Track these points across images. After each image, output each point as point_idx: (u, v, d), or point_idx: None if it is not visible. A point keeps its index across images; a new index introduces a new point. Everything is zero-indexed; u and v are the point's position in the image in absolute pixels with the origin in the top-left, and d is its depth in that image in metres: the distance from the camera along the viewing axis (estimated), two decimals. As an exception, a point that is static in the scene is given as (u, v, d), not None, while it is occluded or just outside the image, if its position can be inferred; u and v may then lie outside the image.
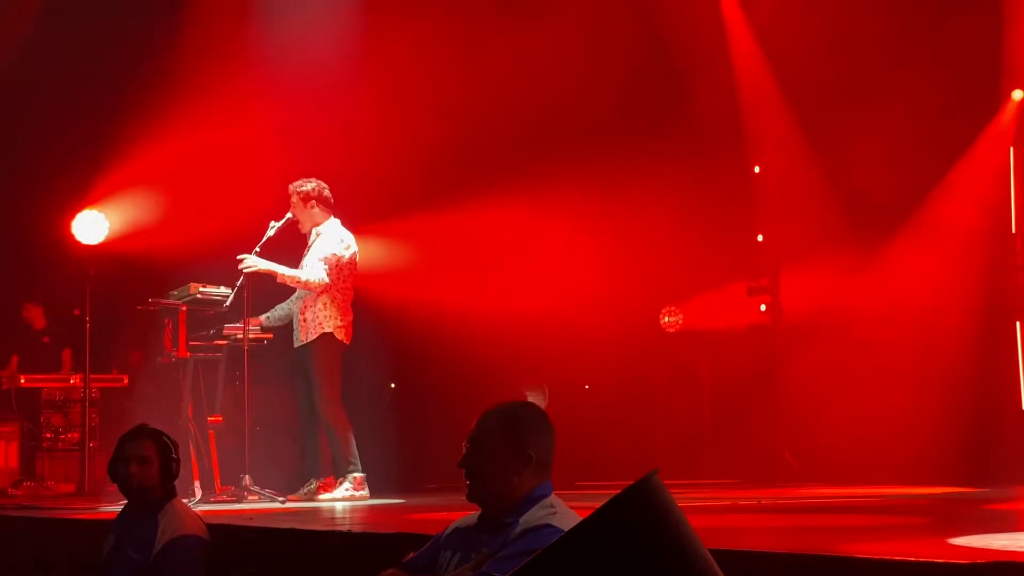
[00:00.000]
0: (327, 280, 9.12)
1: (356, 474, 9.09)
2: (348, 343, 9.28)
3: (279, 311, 9.49)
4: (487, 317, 12.11)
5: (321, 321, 9.16)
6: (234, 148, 10.85)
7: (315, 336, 9.15)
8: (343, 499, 8.99)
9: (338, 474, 9.15)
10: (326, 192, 9.38)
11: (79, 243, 10.72)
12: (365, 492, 9.08)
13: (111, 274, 10.73)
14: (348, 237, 9.36)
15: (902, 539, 5.04)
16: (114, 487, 5.59)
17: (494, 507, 3.74)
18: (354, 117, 11.33)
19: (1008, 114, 11.37)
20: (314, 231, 9.34)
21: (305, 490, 9.18)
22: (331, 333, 9.16)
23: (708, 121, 12.62)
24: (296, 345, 9.30)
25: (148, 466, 5.32)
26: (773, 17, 12.15)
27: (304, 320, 9.21)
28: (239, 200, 10.39)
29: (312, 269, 9.15)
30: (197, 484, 8.79)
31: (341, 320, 9.20)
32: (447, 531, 3.91)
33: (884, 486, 9.96)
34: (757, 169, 12.78)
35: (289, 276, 9.15)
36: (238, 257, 9.03)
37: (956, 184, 11.33)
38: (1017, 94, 11.29)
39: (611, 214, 12.70)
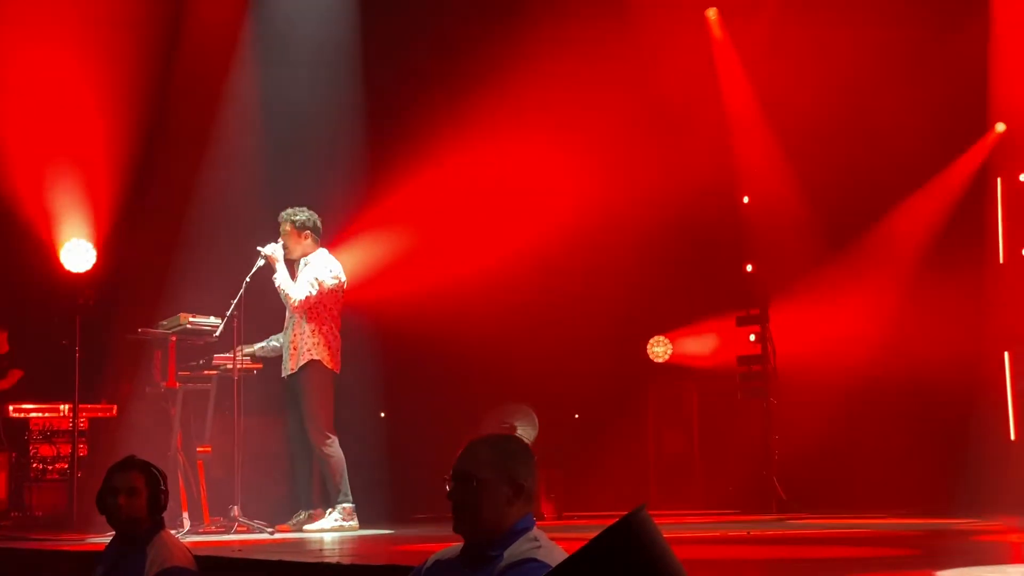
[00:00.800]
0: (303, 299, 9.10)
1: (346, 504, 9.07)
2: (337, 371, 9.28)
3: (270, 342, 9.49)
4: (478, 348, 12.12)
5: (309, 348, 9.15)
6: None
7: (304, 362, 9.15)
8: (331, 529, 8.96)
9: (328, 504, 9.14)
10: (319, 222, 9.40)
11: (68, 272, 10.72)
12: (354, 523, 9.06)
13: (101, 303, 10.72)
14: (336, 266, 9.37)
15: (891, 571, 5.04)
16: (102, 518, 5.57)
17: (482, 540, 3.72)
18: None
19: (993, 146, 11.44)
20: (302, 261, 9.35)
21: (295, 520, 9.16)
22: (319, 360, 9.16)
23: (697, 152, 12.68)
24: (285, 375, 9.29)
25: (136, 497, 5.30)
26: (762, 50, 12.23)
27: (293, 349, 9.21)
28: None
29: (298, 287, 9.17)
30: (185, 515, 8.77)
31: (328, 348, 9.20)
32: (428, 563, 3.88)
33: (873, 517, 9.96)
34: (746, 199, 12.83)
35: (280, 280, 9.13)
36: (258, 248, 9.08)
37: (944, 215, 11.38)
38: (1000, 126, 11.36)
39: (601, 243, 12.74)
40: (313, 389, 9.15)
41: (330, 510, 9.08)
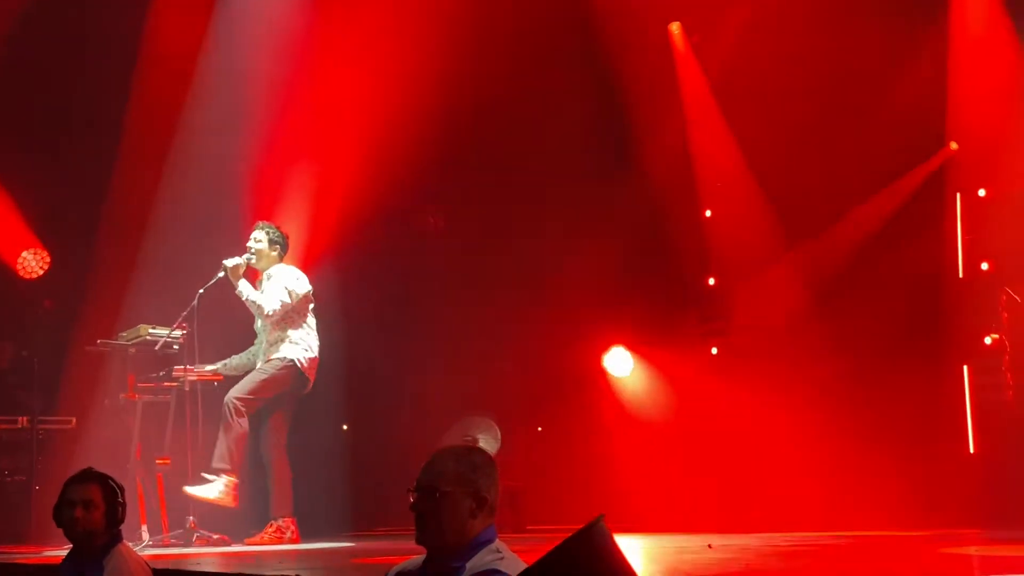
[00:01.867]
0: (278, 308, 9.09)
1: (231, 479, 8.99)
2: (311, 379, 9.28)
3: (235, 360, 9.47)
4: (439, 360, 12.11)
5: (286, 354, 9.16)
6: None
7: (272, 357, 9.15)
8: (211, 498, 8.88)
9: (280, 513, 9.10)
10: (288, 241, 9.45)
11: (25, 280, 10.66)
12: (296, 537, 9.05)
13: (60, 314, 10.65)
14: (302, 276, 9.37)
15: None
16: (60, 531, 5.52)
17: (444, 552, 3.72)
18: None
19: (946, 162, 11.53)
20: (265, 274, 9.34)
21: (262, 534, 9.13)
22: (295, 361, 9.16)
23: (659, 165, 12.72)
24: None
25: (93, 510, 5.26)
26: (725, 63, 12.28)
27: (269, 360, 9.21)
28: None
29: (269, 297, 9.14)
30: (144, 528, 8.71)
31: (308, 357, 9.22)
32: (390, 575, 3.88)
33: (834, 530, 10.00)
34: (708, 213, 12.87)
35: (247, 293, 9.10)
36: (224, 262, 9.04)
37: (904, 229, 11.45)
38: (953, 145, 11.45)
39: (564, 255, 12.75)
40: (271, 374, 9.12)
41: (210, 478, 8.95)
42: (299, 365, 9.19)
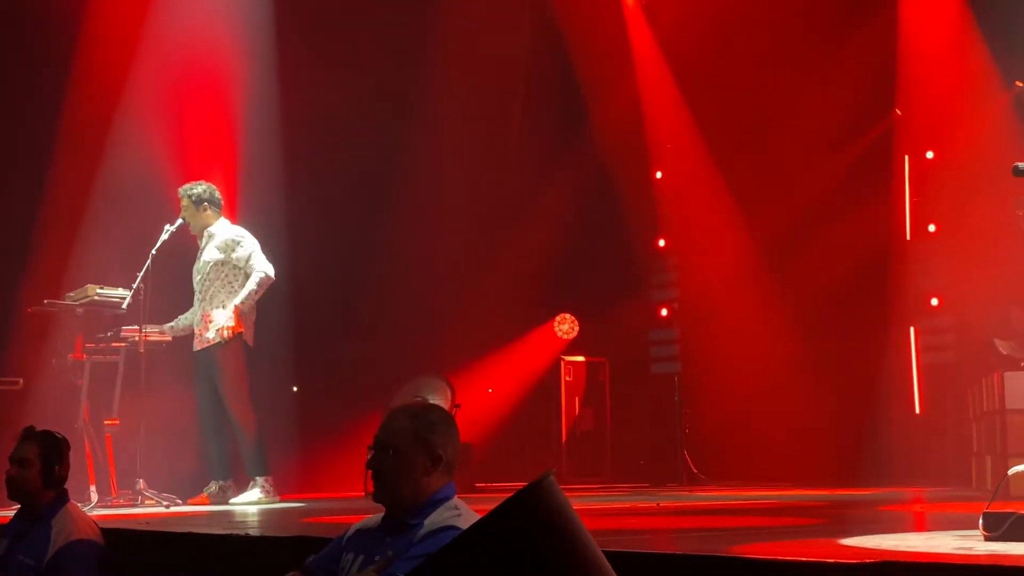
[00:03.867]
0: (270, 273, 9.11)
1: (267, 476, 9.07)
2: (251, 344, 9.25)
3: (183, 321, 9.41)
4: (389, 322, 12.11)
5: (228, 325, 9.09)
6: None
7: (221, 339, 9.09)
8: (257, 502, 8.95)
9: (249, 474, 9.11)
10: (216, 194, 9.35)
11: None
12: (276, 497, 9.08)
13: (5, 274, 10.53)
14: (242, 232, 9.31)
15: (795, 540, 5.11)
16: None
17: (401, 508, 3.73)
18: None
19: (892, 127, 11.61)
20: (205, 233, 9.29)
21: (207, 492, 9.11)
22: (236, 338, 9.10)
23: (610, 127, 12.74)
24: (197, 349, 9.22)
25: (28, 468, 5.26)
26: (675, 25, 12.29)
27: (207, 325, 9.14)
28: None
29: (255, 268, 9.11)
30: (93, 488, 8.67)
31: (247, 321, 9.16)
32: (349, 532, 3.90)
33: (781, 488, 10.11)
34: (659, 175, 12.91)
35: (248, 294, 9.09)
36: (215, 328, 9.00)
37: (853, 192, 11.53)
38: (898, 112, 11.52)
39: (513, 219, 12.77)
40: (229, 363, 9.11)
41: (252, 483, 9.06)
42: (244, 338, 9.18)
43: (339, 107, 11.67)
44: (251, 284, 9.11)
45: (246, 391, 9.16)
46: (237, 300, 9.07)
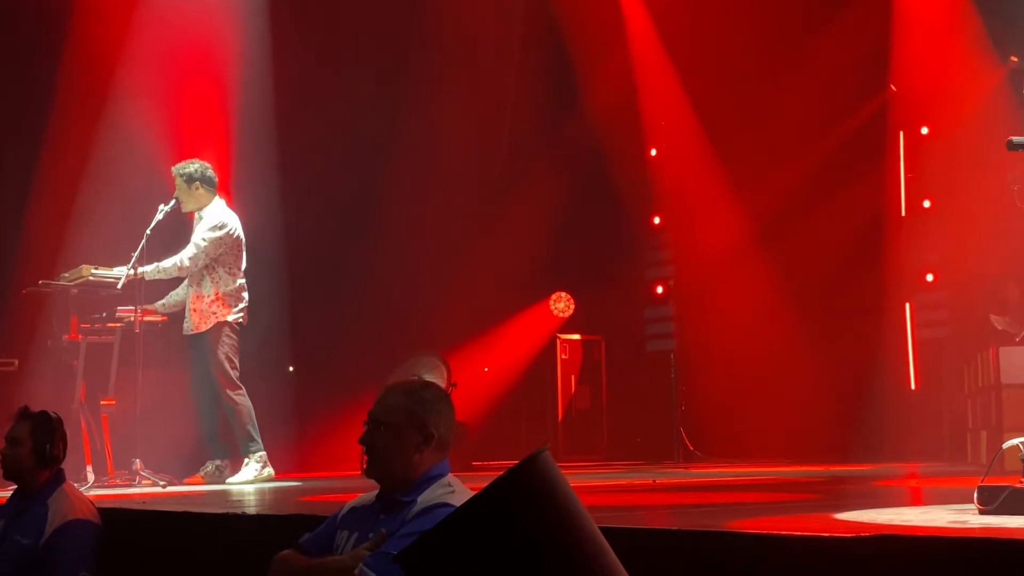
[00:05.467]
0: (191, 257, 9.01)
1: (260, 452, 9.07)
2: (244, 323, 9.24)
3: (174, 297, 9.38)
4: (385, 299, 12.10)
5: (215, 311, 9.08)
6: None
7: (211, 325, 9.08)
8: (254, 480, 8.96)
9: (243, 453, 9.11)
10: (209, 172, 9.26)
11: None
12: (271, 470, 9.08)
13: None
14: (228, 217, 9.23)
15: (790, 515, 5.12)
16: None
17: (393, 485, 3.74)
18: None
19: (886, 102, 11.60)
20: (197, 215, 9.26)
21: (203, 472, 9.11)
22: (222, 321, 9.11)
23: (604, 105, 12.71)
24: (188, 333, 9.21)
25: (19, 447, 5.27)
26: (669, 2, 12.26)
27: (195, 310, 9.13)
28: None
29: (185, 254, 9.06)
30: (89, 468, 8.67)
31: (230, 307, 9.14)
32: (343, 510, 3.90)
33: (777, 464, 10.13)
34: (654, 152, 12.89)
35: (155, 268, 9.01)
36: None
37: (848, 168, 11.53)
38: (893, 88, 11.50)
39: (508, 198, 12.75)
40: (218, 347, 9.10)
41: (246, 460, 9.06)
42: (228, 322, 9.16)
43: (332, 82, 11.65)
44: (169, 260, 9.04)
45: (235, 371, 9.15)
46: (149, 268, 8.98)
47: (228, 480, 9.01)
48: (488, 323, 12.81)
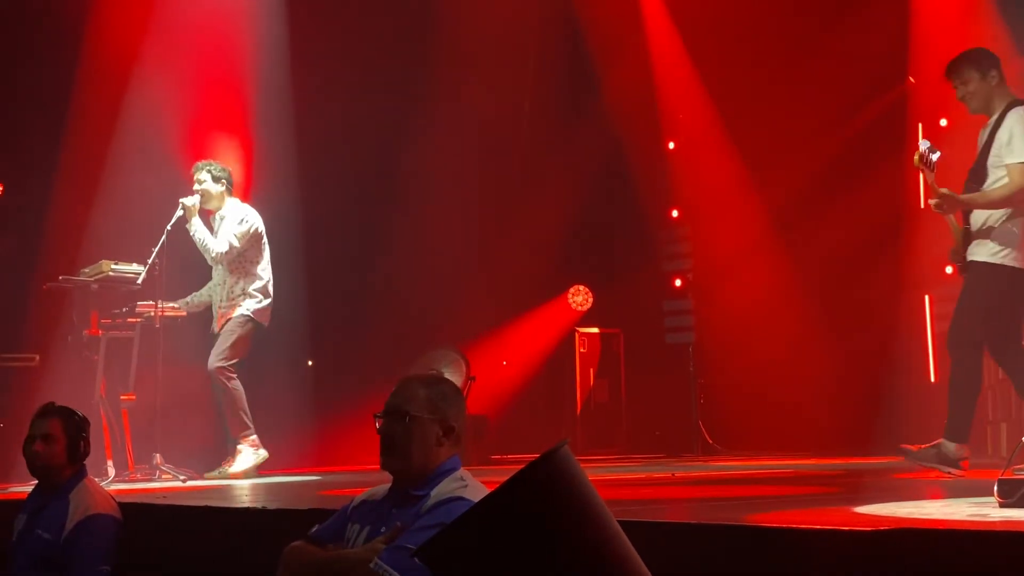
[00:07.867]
0: (224, 251, 9.09)
1: (253, 436, 9.08)
2: (265, 323, 9.30)
3: (198, 297, 9.46)
4: (404, 294, 12.11)
5: (240, 306, 9.18)
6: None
7: (232, 315, 9.17)
8: (255, 464, 8.97)
9: (234, 437, 9.14)
10: (231, 174, 9.39)
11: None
12: (264, 451, 9.11)
13: (21, 250, 10.56)
14: (251, 214, 9.31)
15: (810, 509, 5.13)
16: (24, 468, 5.54)
17: (410, 478, 3.74)
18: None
19: (905, 96, 11.55)
20: (217, 216, 9.32)
21: (218, 471, 9.16)
22: (249, 316, 9.17)
23: (622, 98, 12.69)
24: (214, 332, 9.30)
25: (53, 444, 5.29)
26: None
27: (224, 309, 9.21)
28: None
29: (218, 240, 9.16)
30: (110, 463, 8.71)
31: (259, 303, 9.21)
32: (354, 503, 3.91)
33: (796, 457, 10.11)
34: (672, 145, 12.87)
35: (198, 232, 9.11)
36: (181, 200, 9.07)
37: (866, 159, 11.48)
38: (911, 79, 11.45)
39: (526, 191, 12.75)
40: (231, 334, 9.15)
41: (240, 447, 9.05)
42: (256, 319, 9.22)
43: (350, 80, 11.66)
44: (209, 241, 9.12)
45: (236, 360, 9.17)
46: (200, 232, 9.07)
47: (229, 472, 9.01)
48: (506, 317, 12.81)
